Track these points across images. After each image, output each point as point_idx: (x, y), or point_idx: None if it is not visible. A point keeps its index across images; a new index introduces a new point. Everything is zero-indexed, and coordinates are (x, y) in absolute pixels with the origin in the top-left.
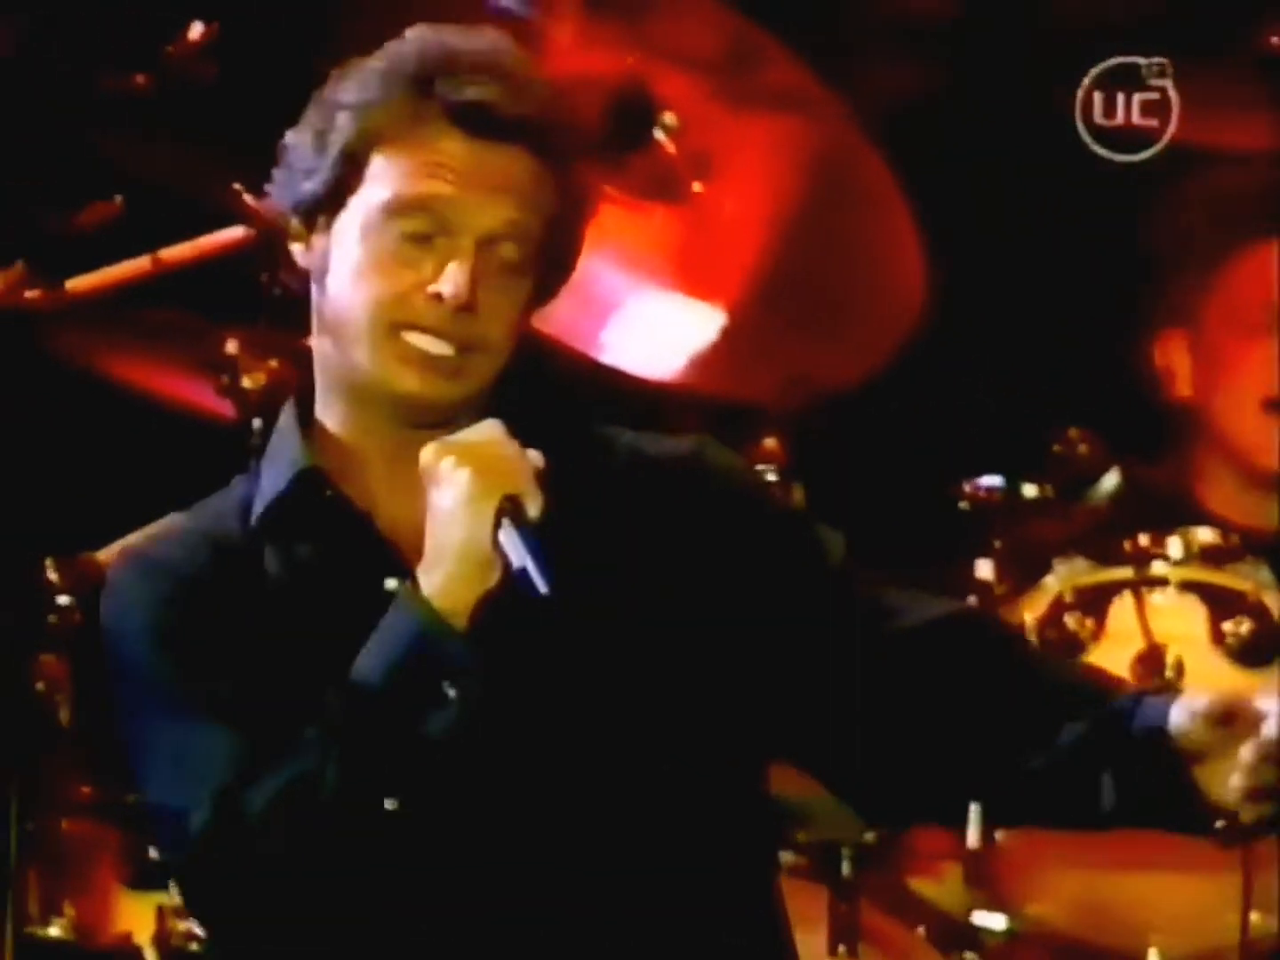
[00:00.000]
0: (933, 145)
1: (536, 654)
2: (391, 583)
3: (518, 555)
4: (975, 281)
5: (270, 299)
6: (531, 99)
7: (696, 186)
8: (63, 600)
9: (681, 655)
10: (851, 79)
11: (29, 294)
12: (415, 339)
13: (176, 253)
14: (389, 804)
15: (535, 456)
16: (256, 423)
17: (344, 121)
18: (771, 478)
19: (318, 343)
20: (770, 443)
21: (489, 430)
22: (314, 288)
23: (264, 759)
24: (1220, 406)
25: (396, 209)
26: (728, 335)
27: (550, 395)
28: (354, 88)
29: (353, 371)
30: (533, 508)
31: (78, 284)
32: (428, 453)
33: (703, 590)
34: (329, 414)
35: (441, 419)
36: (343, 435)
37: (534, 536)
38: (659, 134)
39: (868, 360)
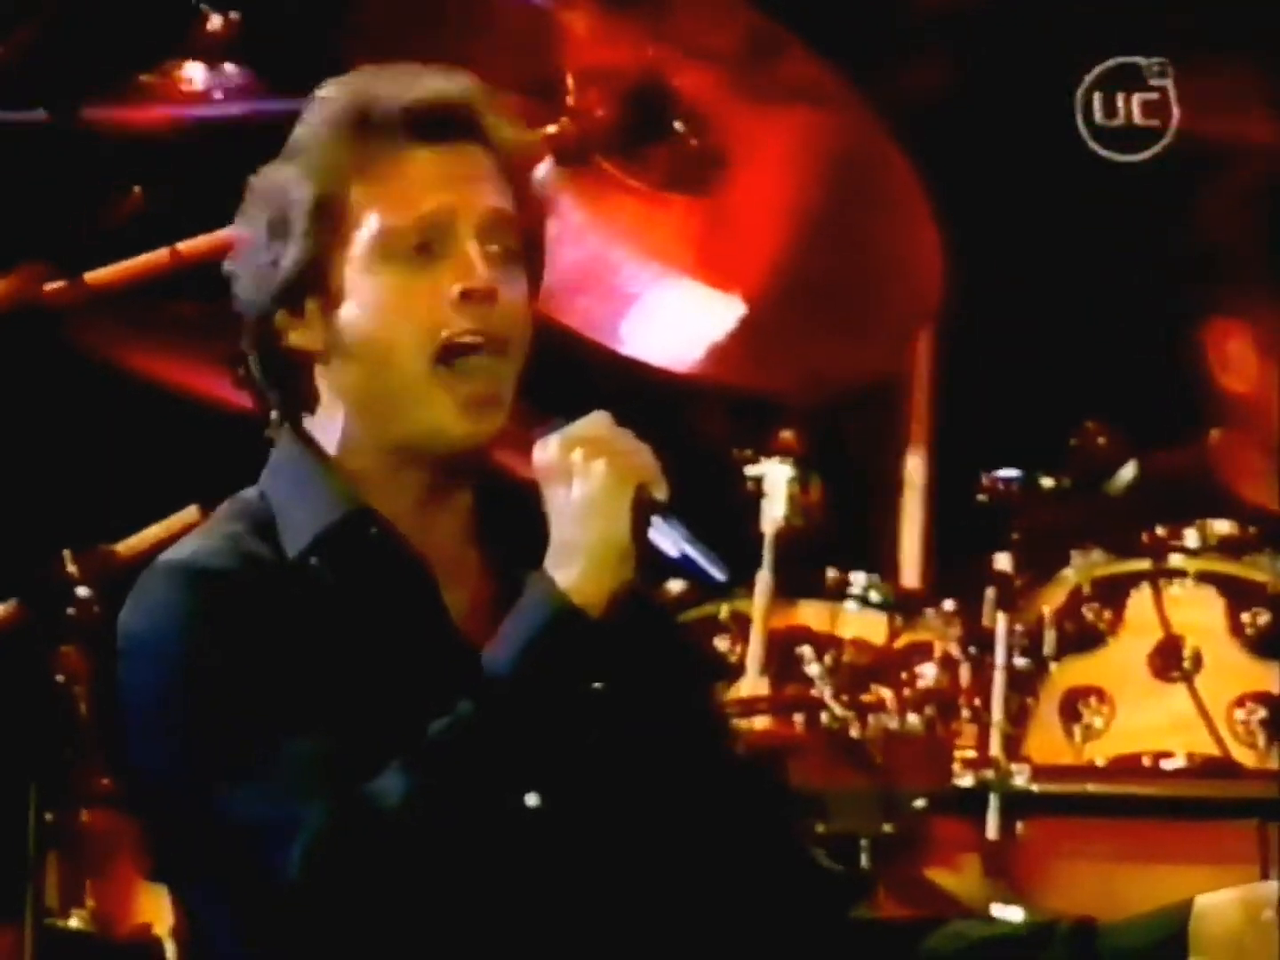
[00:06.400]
0: (951, 140)
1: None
2: (533, 799)
3: (674, 544)
4: (993, 275)
5: None
6: (464, 92)
7: (716, 179)
8: (82, 592)
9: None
10: (870, 75)
11: (48, 287)
12: (452, 366)
13: (195, 246)
14: (531, 800)
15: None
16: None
17: (299, 192)
18: (789, 469)
19: (345, 409)
20: (788, 435)
21: (603, 421)
22: (318, 364)
23: (387, 757)
24: None
25: (391, 239)
26: (746, 327)
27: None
28: (294, 154)
29: (393, 426)
30: (661, 494)
31: (97, 277)
32: (549, 448)
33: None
34: (355, 461)
35: (474, 463)
36: (372, 479)
37: (679, 523)
38: (678, 126)
39: (885, 355)
